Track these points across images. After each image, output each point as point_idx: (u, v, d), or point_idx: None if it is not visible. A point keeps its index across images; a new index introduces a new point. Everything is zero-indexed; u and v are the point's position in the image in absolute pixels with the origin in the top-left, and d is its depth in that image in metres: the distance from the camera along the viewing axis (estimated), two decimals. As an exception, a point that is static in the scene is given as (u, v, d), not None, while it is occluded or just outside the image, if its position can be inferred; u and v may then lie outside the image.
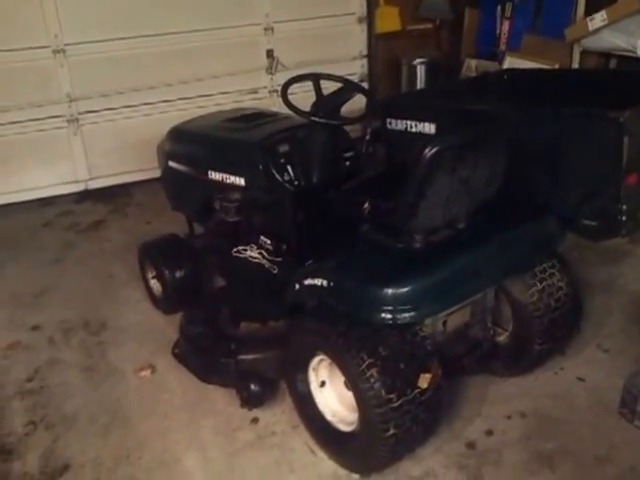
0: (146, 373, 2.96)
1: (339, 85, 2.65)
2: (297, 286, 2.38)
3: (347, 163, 2.77)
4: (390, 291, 2.05)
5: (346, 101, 2.60)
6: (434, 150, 1.98)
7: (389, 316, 2.05)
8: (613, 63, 4.73)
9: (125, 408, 2.76)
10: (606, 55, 4.70)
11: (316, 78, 2.63)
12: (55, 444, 2.58)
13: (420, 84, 5.62)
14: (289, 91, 2.61)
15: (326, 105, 2.56)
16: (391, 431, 2.11)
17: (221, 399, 2.74)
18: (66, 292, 3.69)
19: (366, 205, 2.27)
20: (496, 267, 2.32)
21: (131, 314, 3.44)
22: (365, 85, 5.65)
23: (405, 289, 2.06)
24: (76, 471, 2.45)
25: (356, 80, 5.18)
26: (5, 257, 4.12)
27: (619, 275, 3.51)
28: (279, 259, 2.73)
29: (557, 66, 4.72)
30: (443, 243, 2.26)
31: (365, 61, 5.72)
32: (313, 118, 2.52)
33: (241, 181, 2.77)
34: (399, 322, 2.07)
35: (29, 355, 3.16)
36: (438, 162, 2.03)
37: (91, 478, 2.41)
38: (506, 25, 5.18)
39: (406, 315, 2.06)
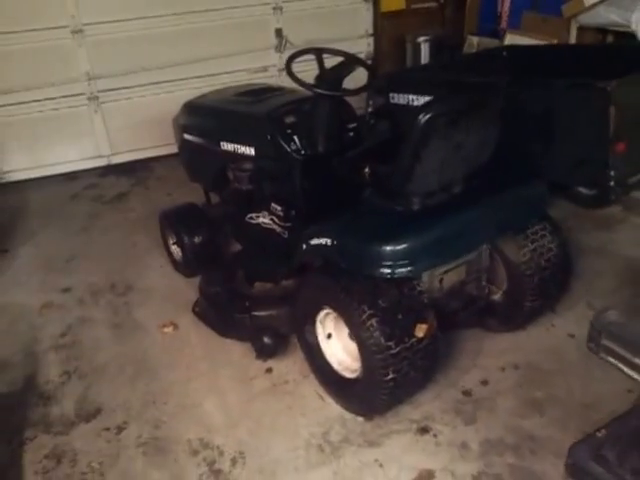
0: (169, 329, 3.09)
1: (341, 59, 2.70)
2: (304, 246, 2.48)
3: (351, 134, 2.83)
4: (389, 248, 2.15)
5: (348, 74, 2.65)
6: (428, 116, 2.05)
7: (388, 271, 2.16)
8: (610, 38, 4.67)
9: (150, 360, 2.90)
10: (603, 31, 4.65)
11: (319, 52, 2.68)
12: (88, 391, 2.74)
13: (424, 61, 5.62)
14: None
15: (329, 78, 2.62)
16: (390, 376, 2.22)
17: (238, 352, 2.87)
18: (93, 258, 3.83)
19: (366, 170, 2.35)
20: (487, 227, 2.40)
21: (154, 277, 3.57)
22: (371, 62, 5.69)
23: (402, 246, 2.16)
24: (108, 414, 2.60)
25: (363, 57, 5.19)
26: (37, 226, 4.27)
27: (612, 241, 3.55)
28: (289, 224, 2.83)
29: (556, 42, 4.72)
30: (439, 205, 2.34)
31: (371, 39, 5.73)
32: (316, 90, 2.59)
33: (251, 151, 2.85)
34: (397, 276, 2.18)
35: (62, 314, 3.31)
36: (432, 127, 2.09)
37: (121, 420, 2.57)
38: (506, 3, 5.15)
39: (403, 270, 2.16)
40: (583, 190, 3.76)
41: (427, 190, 2.31)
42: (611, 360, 1.43)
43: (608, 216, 3.79)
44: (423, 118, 2.05)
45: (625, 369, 1.39)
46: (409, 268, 2.17)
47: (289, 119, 2.74)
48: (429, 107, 2.12)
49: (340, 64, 2.67)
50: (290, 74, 2.62)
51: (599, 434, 1.63)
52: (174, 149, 3.70)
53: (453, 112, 2.15)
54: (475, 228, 2.37)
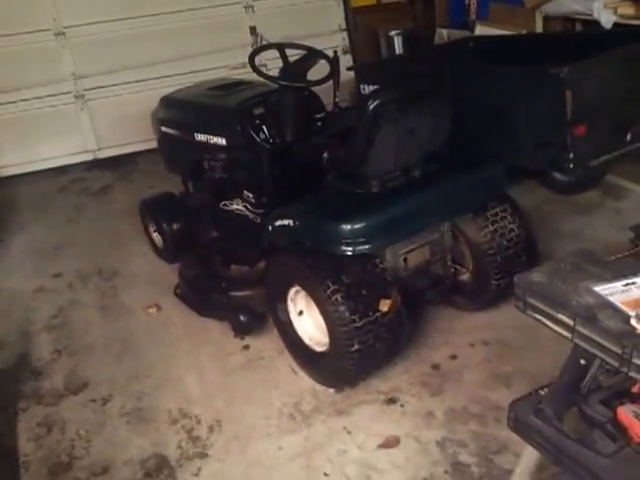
0: (153, 311, 3.20)
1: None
2: (270, 228, 2.57)
3: (318, 123, 2.90)
4: (348, 226, 2.25)
5: (311, 66, 2.73)
6: (375, 103, 2.16)
7: (348, 248, 2.26)
8: (579, 27, 4.55)
9: (135, 339, 3.00)
10: (572, 19, 4.55)
11: (281, 47, 2.76)
12: (76, 367, 2.86)
13: (399, 53, 5.70)
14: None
15: (292, 70, 2.70)
16: (355, 347, 2.30)
17: (218, 331, 2.96)
18: (81, 246, 3.94)
19: (325, 155, 2.44)
20: (442, 207, 2.49)
21: (138, 263, 3.67)
22: (349, 56, 5.75)
23: (359, 224, 2.26)
24: (94, 388, 2.71)
25: (339, 51, 5.24)
26: (28, 217, 4.39)
27: (588, 225, 3.49)
28: (261, 210, 2.90)
29: (524, 32, 4.71)
30: (397, 187, 2.43)
31: (346, 34, 5.77)
32: (280, 82, 2.67)
33: (222, 141, 2.92)
34: (356, 253, 2.27)
35: (53, 297, 3.43)
36: (381, 113, 2.19)
37: (107, 393, 2.67)
38: (474, -5, 5.16)
39: (361, 247, 2.26)
40: (559, 176, 3.71)
41: (383, 173, 2.39)
42: (537, 317, 1.52)
43: (586, 201, 3.76)
44: (371, 105, 2.15)
45: (550, 324, 1.49)
46: (367, 245, 2.26)
47: (258, 110, 2.80)
48: (376, 95, 2.22)
49: (303, 57, 2.75)
50: (253, 68, 2.69)
51: (542, 392, 1.73)
52: (157, 144, 3.78)
53: (401, 99, 2.24)
54: (430, 208, 2.46)
